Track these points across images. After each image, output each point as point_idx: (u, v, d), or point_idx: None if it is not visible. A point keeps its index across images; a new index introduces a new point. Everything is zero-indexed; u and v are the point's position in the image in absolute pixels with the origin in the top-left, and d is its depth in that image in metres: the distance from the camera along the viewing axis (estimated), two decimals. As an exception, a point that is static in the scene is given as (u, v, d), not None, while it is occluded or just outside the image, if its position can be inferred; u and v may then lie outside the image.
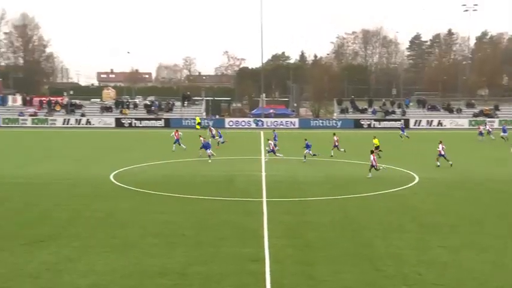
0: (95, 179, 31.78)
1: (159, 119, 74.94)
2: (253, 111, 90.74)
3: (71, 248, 18.53)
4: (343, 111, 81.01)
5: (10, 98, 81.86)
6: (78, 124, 73.19)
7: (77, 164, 37.77)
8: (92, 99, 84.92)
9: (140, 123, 73.13)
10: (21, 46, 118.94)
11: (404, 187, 29.97)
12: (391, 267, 16.66)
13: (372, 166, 32.13)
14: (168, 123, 73.76)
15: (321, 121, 78.65)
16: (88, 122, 73.50)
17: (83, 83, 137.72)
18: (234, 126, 71.93)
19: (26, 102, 79.16)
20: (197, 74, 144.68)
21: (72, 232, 20.55)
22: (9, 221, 22.10)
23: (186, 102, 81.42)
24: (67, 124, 73.06)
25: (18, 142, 52.31)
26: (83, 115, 75.14)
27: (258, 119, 77.66)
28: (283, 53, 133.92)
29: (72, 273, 16.23)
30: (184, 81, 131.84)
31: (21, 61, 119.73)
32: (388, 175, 33.82)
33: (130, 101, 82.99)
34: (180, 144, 45.24)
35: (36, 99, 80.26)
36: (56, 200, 26.29)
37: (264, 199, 26.49)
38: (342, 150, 41.58)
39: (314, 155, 39.29)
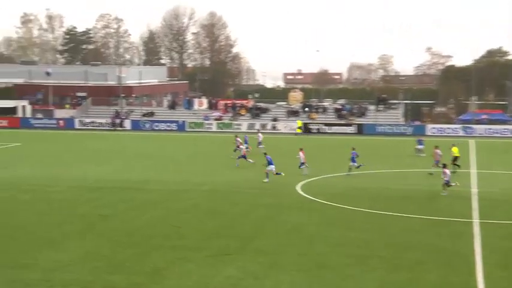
0: (281, 189, 32.83)
1: (350, 125, 75.07)
2: (460, 117, 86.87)
3: (256, 263, 19.35)
4: None
5: (196, 101, 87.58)
6: (263, 129, 76.21)
7: (263, 173, 39.23)
8: (278, 103, 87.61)
9: (329, 129, 73.82)
10: (208, 46, 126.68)
11: None
12: None
13: (446, 182, 30.73)
14: (360, 130, 73.50)
15: (548, 129, 72.80)
16: (273, 127, 76.06)
17: (268, 84, 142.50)
18: (437, 134, 69.51)
19: (212, 106, 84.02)
20: (394, 74, 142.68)
21: (258, 246, 21.46)
22: (195, 230, 23.74)
23: (381, 106, 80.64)
24: (252, 129, 76.35)
25: (203, 147, 55.97)
26: (274, 119, 77.84)
27: (467, 125, 74.23)
28: (500, 47, 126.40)
29: (258, 290, 16.95)
30: (379, 82, 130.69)
31: (207, 62, 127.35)
32: None
33: (319, 104, 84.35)
34: (234, 151, 45.85)
35: (221, 103, 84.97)
36: (241, 209, 27.66)
37: (476, 220, 25.31)
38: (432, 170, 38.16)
39: (354, 168, 37.75)
